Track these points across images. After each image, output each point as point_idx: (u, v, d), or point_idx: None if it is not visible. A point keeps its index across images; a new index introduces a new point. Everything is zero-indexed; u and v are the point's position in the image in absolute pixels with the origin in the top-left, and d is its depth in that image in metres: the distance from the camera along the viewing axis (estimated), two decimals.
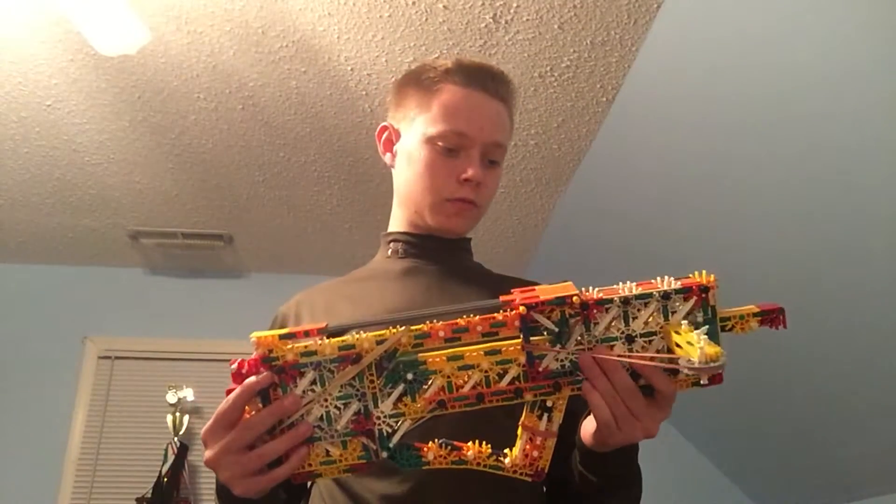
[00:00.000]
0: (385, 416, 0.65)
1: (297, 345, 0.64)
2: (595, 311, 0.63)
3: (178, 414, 2.83)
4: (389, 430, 0.65)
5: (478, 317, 0.64)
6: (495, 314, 0.64)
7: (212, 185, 2.64)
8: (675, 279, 0.65)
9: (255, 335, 0.64)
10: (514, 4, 1.86)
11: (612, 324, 0.64)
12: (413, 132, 1.01)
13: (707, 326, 0.62)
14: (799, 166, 1.88)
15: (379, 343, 0.63)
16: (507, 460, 0.67)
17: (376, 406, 0.65)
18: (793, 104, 1.78)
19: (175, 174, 2.57)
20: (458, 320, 0.64)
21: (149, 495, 2.65)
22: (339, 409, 0.65)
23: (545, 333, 0.64)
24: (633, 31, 1.91)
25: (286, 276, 3.18)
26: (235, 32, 1.96)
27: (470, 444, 0.67)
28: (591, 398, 0.65)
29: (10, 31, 1.95)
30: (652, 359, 0.63)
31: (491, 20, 1.91)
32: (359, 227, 2.87)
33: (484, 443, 0.67)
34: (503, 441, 0.69)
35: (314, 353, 0.63)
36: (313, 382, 0.64)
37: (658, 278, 0.65)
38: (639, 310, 0.64)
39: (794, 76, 1.72)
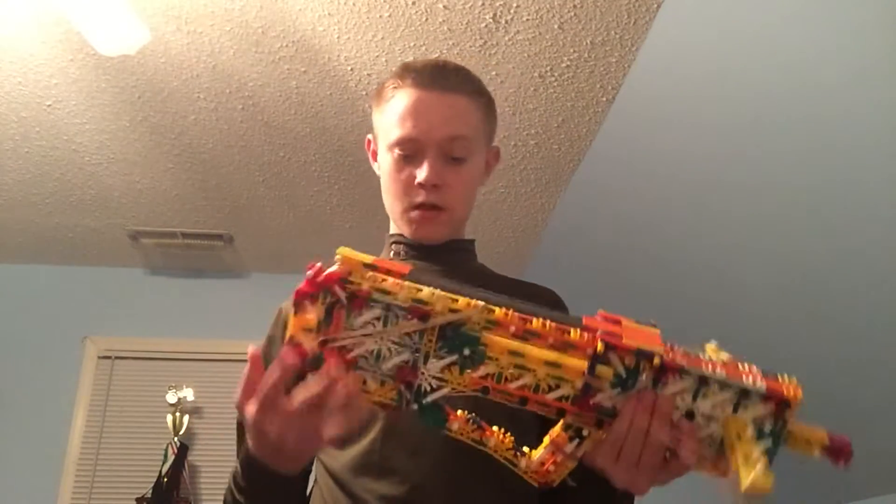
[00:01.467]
0: (429, 376, 0.64)
1: (377, 278, 0.63)
2: (670, 374, 0.62)
3: (178, 414, 2.82)
4: (428, 389, 0.64)
5: (553, 326, 0.63)
6: (571, 330, 0.63)
7: (212, 185, 2.64)
8: (763, 373, 0.63)
9: (342, 251, 0.63)
10: (514, 4, 1.86)
11: (680, 393, 0.62)
12: (380, 141, 1.03)
13: (771, 439, 0.61)
14: (800, 166, 1.88)
15: (451, 311, 0.62)
16: (523, 461, 0.66)
17: (425, 364, 0.64)
18: (793, 105, 1.78)
19: (175, 174, 2.57)
20: (534, 323, 0.63)
21: (149, 495, 2.65)
22: (390, 351, 0.64)
23: (610, 372, 0.62)
24: (633, 31, 1.91)
25: (286, 276, 3.14)
26: (235, 32, 1.96)
27: (495, 429, 0.66)
28: (619, 423, 0.62)
29: (10, 31, 1.95)
30: (700, 444, 0.62)
31: (491, 20, 1.91)
32: (359, 227, 2.87)
33: (507, 434, 0.66)
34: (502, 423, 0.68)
35: (389, 293, 0.62)
36: (377, 319, 0.63)
37: (744, 365, 0.63)
38: (713, 392, 0.62)
39: (794, 76, 1.72)
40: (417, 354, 0.64)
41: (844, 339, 2.14)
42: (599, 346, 0.61)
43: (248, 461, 0.74)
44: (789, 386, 0.62)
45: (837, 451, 0.63)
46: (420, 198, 0.97)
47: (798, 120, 1.79)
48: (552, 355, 0.62)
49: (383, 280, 0.63)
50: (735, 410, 0.62)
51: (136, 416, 2.92)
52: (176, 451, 2.74)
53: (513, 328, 0.63)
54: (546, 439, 0.66)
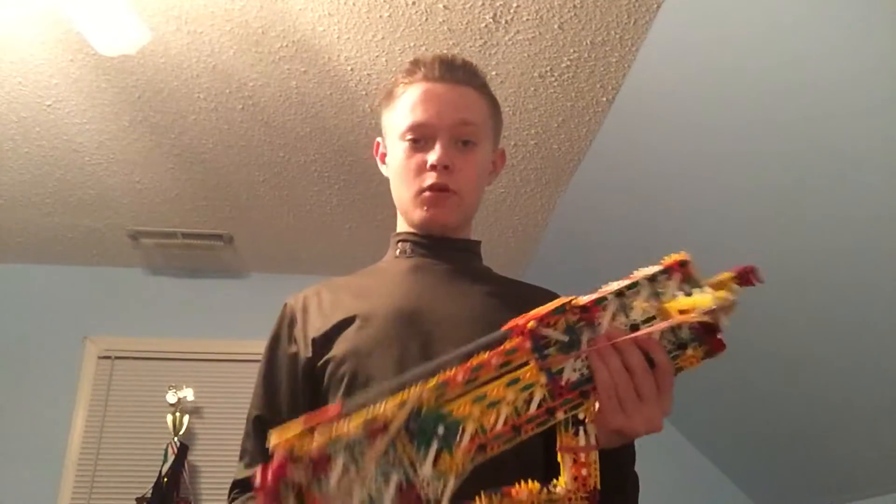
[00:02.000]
0: (428, 480, 0.63)
1: (318, 435, 0.61)
2: (595, 311, 0.65)
3: (178, 414, 2.82)
4: (438, 494, 0.63)
5: (489, 350, 0.64)
6: (505, 343, 0.65)
7: (212, 185, 2.64)
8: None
9: (273, 442, 0.61)
10: (514, 4, 1.86)
11: (614, 319, 0.66)
12: (390, 137, 1.05)
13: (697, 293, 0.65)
14: (799, 166, 1.88)
15: (401, 407, 0.62)
16: (558, 489, 0.66)
17: (416, 473, 0.62)
18: (793, 104, 1.78)
19: (175, 174, 2.57)
20: (475, 360, 0.64)
21: (149, 495, 2.65)
22: (380, 486, 0.62)
23: (556, 347, 0.64)
24: (633, 31, 1.91)
25: (286, 276, 3.17)
26: (235, 32, 1.96)
27: (517, 485, 0.66)
28: (600, 374, 0.65)
29: (10, 31, 1.95)
30: (670, 325, 0.65)
31: (491, 20, 1.91)
32: (359, 227, 2.87)
33: (529, 480, 0.66)
34: (506, 464, 0.67)
35: (339, 437, 0.61)
36: (346, 467, 0.61)
37: (636, 270, 0.67)
38: (633, 299, 0.66)
39: (794, 76, 1.72)
40: (403, 470, 0.62)
41: (843, 339, 2.14)
42: (530, 324, 0.64)
43: None
44: (672, 255, 0.68)
45: (745, 276, 0.67)
46: (431, 179, 0.99)
47: (798, 120, 1.79)
48: (506, 377, 0.64)
49: (325, 430, 0.61)
50: (659, 300, 0.66)
51: (136, 416, 2.91)
52: (176, 451, 2.74)
53: (460, 377, 0.63)
54: (559, 457, 0.66)
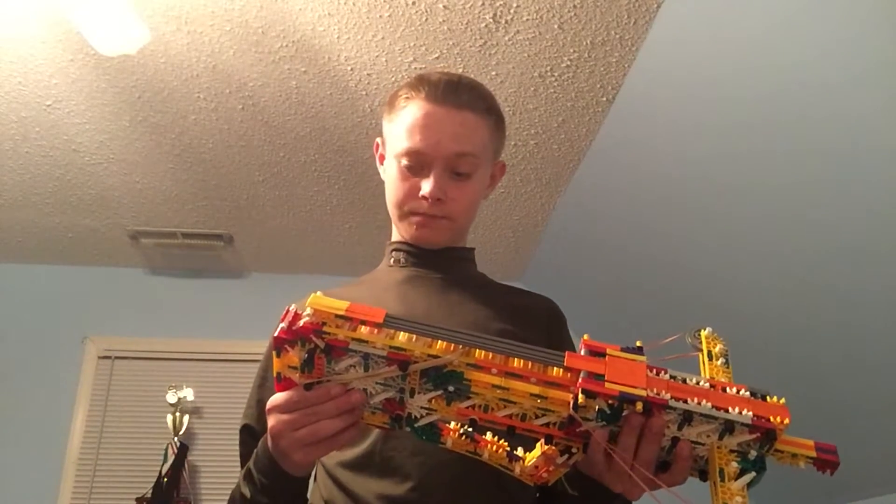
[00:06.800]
0: (417, 407, 0.66)
1: (352, 328, 0.64)
2: (655, 409, 0.61)
3: (178, 414, 2.82)
4: (418, 416, 0.67)
5: (534, 366, 0.64)
6: (554, 369, 0.64)
7: (212, 185, 2.64)
8: (751, 396, 0.62)
9: (314, 302, 0.64)
10: (514, 4, 1.86)
11: (666, 423, 0.62)
12: (388, 149, 1.04)
13: (755, 467, 0.61)
14: (799, 167, 1.88)
15: (430, 356, 0.63)
16: (517, 466, 0.67)
17: (411, 397, 0.65)
18: (793, 105, 1.78)
19: (175, 174, 2.57)
20: (516, 364, 0.63)
21: (149, 495, 2.65)
22: (376, 389, 0.66)
23: (596, 405, 0.62)
24: (633, 31, 1.91)
25: (286, 276, 3.18)
26: (235, 32, 1.96)
27: (489, 437, 0.67)
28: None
29: (10, 31, 1.95)
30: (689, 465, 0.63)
31: (491, 20, 1.91)
32: (359, 227, 2.87)
33: (501, 441, 0.68)
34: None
35: (366, 342, 0.63)
36: (357, 364, 0.65)
37: (734, 388, 0.63)
38: (698, 422, 0.62)
39: (794, 77, 1.72)
40: (402, 393, 0.65)
41: (843, 339, 2.14)
42: (581, 398, 0.60)
43: (260, 462, 0.79)
44: (776, 410, 0.62)
45: (824, 463, 0.63)
46: (421, 208, 0.98)
47: (798, 120, 1.79)
48: (536, 388, 0.63)
49: (358, 329, 0.63)
50: (721, 437, 0.62)
51: (136, 416, 2.91)
52: (176, 451, 2.74)
53: (494, 371, 0.63)
54: (538, 449, 0.67)
